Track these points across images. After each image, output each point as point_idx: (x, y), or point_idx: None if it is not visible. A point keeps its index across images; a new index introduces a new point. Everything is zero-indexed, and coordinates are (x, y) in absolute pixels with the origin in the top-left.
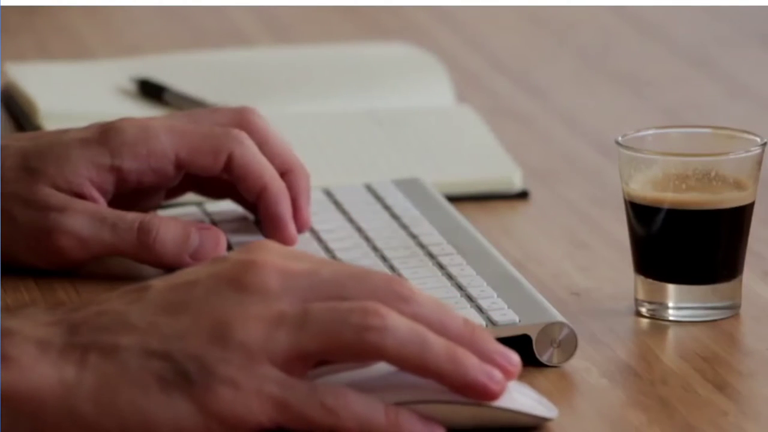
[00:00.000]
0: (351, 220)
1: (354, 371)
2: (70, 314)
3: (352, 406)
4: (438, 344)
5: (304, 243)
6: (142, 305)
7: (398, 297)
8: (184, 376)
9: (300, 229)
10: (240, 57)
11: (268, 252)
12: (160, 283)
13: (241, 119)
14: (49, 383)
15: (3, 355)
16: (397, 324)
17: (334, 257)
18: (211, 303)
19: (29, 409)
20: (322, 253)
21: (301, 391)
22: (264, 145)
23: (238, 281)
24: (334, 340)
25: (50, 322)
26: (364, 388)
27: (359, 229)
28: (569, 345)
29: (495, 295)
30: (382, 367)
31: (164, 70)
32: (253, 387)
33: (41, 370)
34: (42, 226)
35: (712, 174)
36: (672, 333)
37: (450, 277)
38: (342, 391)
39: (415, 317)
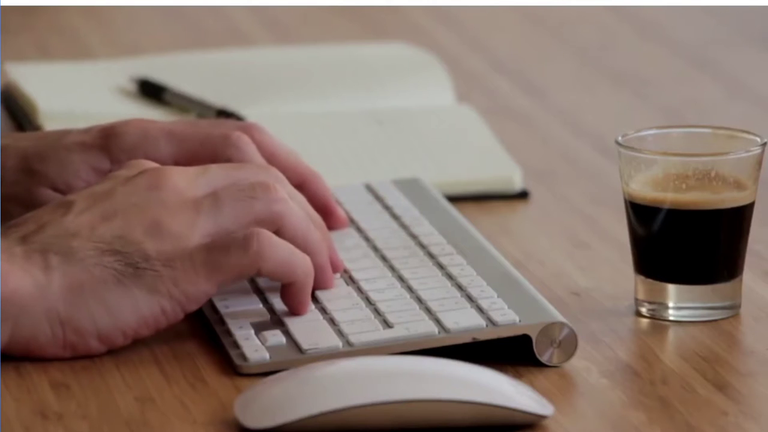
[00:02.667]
0: (351, 220)
1: (355, 366)
2: (12, 231)
3: (273, 251)
4: (316, 229)
5: None
6: (75, 216)
7: (275, 179)
8: (133, 267)
9: (340, 227)
10: (240, 57)
11: (155, 164)
12: (78, 196)
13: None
14: (26, 287)
15: None
16: (286, 196)
17: None
18: (138, 206)
19: (12, 313)
20: None
21: (224, 248)
22: (273, 160)
23: (153, 184)
24: (248, 214)
25: None
26: (366, 382)
27: (359, 229)
28: (569, 345)
29: (495, 295)
30: (382, 365)
31: (164, 70)
32: (188, 264)
33: (16, 275)
34: None
35: (712, 174)
36: (672, 333)
37: (450, 277)
38: (262, 235)
39: (290, 195)
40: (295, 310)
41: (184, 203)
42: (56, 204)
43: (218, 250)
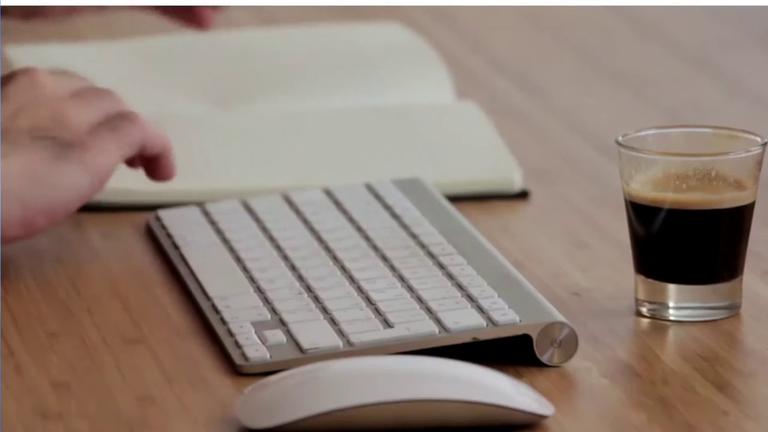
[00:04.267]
0: (351, 220)
1: (355, 366)
2: None
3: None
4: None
5: (305, 242)
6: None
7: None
8: (65, 147)
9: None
10: (240, 53)
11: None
12: None
13: None
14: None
15: None
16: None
17: (334, 257)
18: (32, 103)
19: None
20: (322, 253)
21: (117, 124)
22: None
23: (32, 83)
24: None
25: None
26: (366, 382)
27: (359, 229)
28: (569, 345)
29: (495, 295)
30: (382, 365)
31: (162, 53)
32: (100, 140)
33: None
34: None
35: (713, 174)
36: (672, 333)
37: (450, 277)
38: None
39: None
40: (169, 175)
41: (66, 95)
42: None
43: (113, 126)
